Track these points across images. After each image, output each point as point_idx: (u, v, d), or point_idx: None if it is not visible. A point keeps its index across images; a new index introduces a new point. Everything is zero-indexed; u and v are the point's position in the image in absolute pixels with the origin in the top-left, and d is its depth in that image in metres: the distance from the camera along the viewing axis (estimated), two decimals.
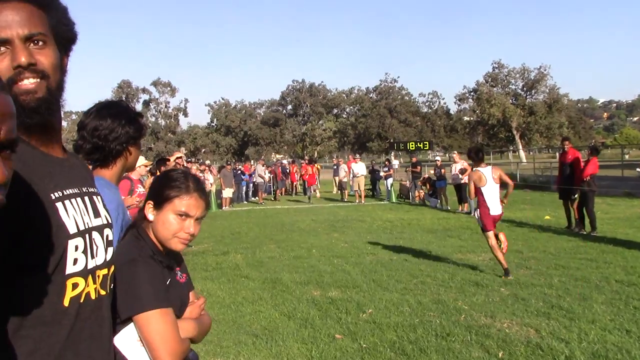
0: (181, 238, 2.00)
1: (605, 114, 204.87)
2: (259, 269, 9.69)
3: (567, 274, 8.41)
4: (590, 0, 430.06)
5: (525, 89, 73.90)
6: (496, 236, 8.68)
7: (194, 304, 2.11)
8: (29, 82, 1.27)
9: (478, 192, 8.87)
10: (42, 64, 1.30)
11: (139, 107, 79.59)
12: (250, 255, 11.10)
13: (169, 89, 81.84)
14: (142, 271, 1.87)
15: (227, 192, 23.66)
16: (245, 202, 26.87)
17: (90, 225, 1.41)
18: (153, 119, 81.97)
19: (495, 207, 8.81)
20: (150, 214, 2.02)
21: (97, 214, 1.47)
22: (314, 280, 8.55)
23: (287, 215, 19.45)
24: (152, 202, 2.02)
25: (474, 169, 9.21)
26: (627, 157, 40.52)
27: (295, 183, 31.63)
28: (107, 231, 1.50)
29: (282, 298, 7.52)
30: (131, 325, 1.85)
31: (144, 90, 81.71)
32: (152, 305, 1.84)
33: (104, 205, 1.56)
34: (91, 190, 1.51)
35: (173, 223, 1.99)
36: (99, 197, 1.53)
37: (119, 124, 2.29)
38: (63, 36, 1.39)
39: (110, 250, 1.51)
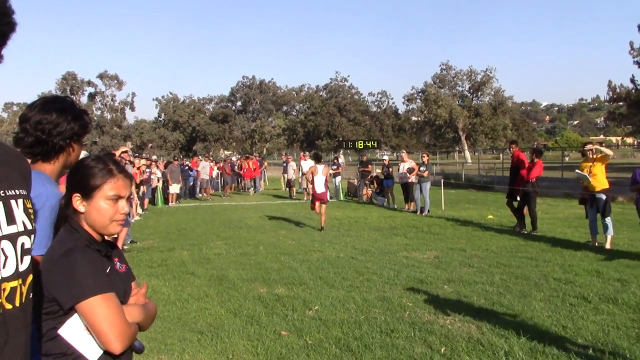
0: (118, 220, 2.03)
1: (548, 117, 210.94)
2: (205, 265, 9.62)
3: (508, 271, 8.64)
4: (535, 8, 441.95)
5: (471, 90, 75.55)
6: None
7: (138, 292, 2.10)
8: None
9: None
10: None
11: (84, 100, 77.74)
12: (196, 252, 10.99)
13: (115, 82, 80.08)
14: (79, 260, 1.86)
15: (174, 188, 23.34)
16: (192, 198, 26.57)
17: None
18: (99, 113, 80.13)
19: None
20: (80, 207, 2.00)
21: (11, 221, 1.35)
22: (261, 277, 8.53)
23: (235, 212, 19.33)
24: (79, 195, 2.00)
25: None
26: (567, 159, 41.82)
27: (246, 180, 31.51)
28: (22, 239, 1.38)
29: (229, 295, 7.49)
30: (76, 316, 1.83)
31: (90, 83, 79.74)
32: (94, 291, 1.83)
33: (27, 209, 1.43)
34: (10, 193, 1.38)
35: (107, 208, 2.00)
36: (19, 201, 1.40)
37: (64, 120, 2.26)
38: None
39: (27, 259, 1.39)
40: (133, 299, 2.06)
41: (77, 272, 1.84)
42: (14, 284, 1.34)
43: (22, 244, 1.38)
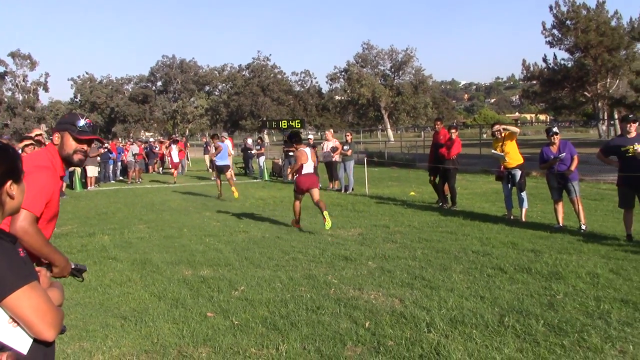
0: None
1: (466, 95, 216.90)
2: (128, 250, 9.40)
3: (430, 246, 8.89)
4: None
5: (393, 70, 76.65)
6: None
7: (40, 273, 2.02)
8: None
9: None
10: None
11: None
12: (118, 236, 10.72)
13: (28, 61, 76.40)
14: None
15: (92, 171, 22.59)
16: (112, 181, 25.85)
17: None
18: (9, 94, 76.35)
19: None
20: (14, 192, 1.93)
21: None
22: (185, 259, 8.43)
23: (158, 195, 18.96)
24: (11, 180, 1.92)
25: None
26: (484, 136, 43.23)
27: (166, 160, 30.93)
28: None
29: (152, 279, 7.36)
30: None
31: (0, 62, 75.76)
32: (17, 284, 1.76)
33: None
34: None
35: (24, 187, 2.00)
36: None
37: None
38: None
39: None
40: (42, 281, 2.00)
41: None
42: None
43: None
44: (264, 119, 60.65)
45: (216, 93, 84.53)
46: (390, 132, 70.24)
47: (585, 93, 52.78)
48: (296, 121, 26.52)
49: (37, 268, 1.96)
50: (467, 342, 4.75)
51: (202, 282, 7.08)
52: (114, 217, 13.66)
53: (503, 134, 11.66)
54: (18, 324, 1.78)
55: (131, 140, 38.14)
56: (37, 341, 1.82)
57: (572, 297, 5.95)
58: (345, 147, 18.36)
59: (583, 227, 9.91)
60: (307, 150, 11.17)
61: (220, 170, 17.45)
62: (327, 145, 19.39)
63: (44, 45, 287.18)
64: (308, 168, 11.02)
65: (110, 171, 26.15)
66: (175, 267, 7.95)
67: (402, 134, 60.70)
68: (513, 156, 11.43)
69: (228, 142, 25.16)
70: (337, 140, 19.95)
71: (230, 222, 12.17)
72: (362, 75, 72.89)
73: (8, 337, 1.78)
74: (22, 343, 1.80)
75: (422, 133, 53.94)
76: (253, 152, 27.07)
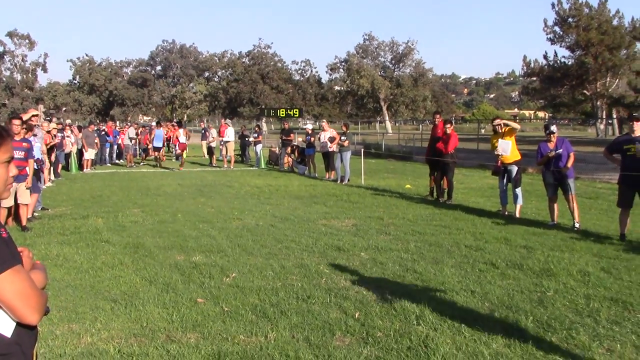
0: (9, 184, 1.97)
1: (466, 89, 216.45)
2: (121, 233, 9.39)
3: (423, 239, 8.89)
4: None
5: (393, 62, 76.41)
6: None
7: (23, 254, 1.99)
8: None
9: None
10: None
11: None
12: (111, 220, 10.70)
13: (27, 41, 75.82)
14: None
15: (89, 154, 22.55)
16: (108, 164, 25.80)
17: None
18: (7, 73, 75.87)
19: None
20: None
21: None
22: (178, 245, 8.42)
23: (153, 179, 18.93)
24: None
25: None
26: (483, 131, 43.19)
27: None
28: None
29: (144, 263, 7.35)
30: None
31: None
32: (0, 268, 1.73)
33: None
34: None
35: (3, 173, 1.93)
36: None
37: None
38: None
39: None
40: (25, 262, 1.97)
41: None
42: None
43: None
44: (263, 106, 60.59)
45: (215, 79, 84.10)
46: (388, 124, 70.16)
47: (585, 91, 52.74)
48: (294, 110, 26.46)
49: (20, 248, 1.93)
50: (456, 336, 4.76)
51: (194, 267, 7.08)
52: (108, 200, 13.63)
53: (503, 129, 11.63)
54: (0, 308, 1.77)
55: (128, 123, 38.02)
56: (21, 324, 1.81)
57: (562, 295, 5.97)
58: (342, 138, 18.33)
59: (577, 225, 9.92)
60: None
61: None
62: (325, 136, 19.36)
63: (43, 26, 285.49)
64: None
65: (107, 154, 26.09)
66: (167, 252, 7.95)
67: (401, 126, 60.66)
68: (511, 152, 11.43)
69: (231, 130, 25.22)
70: (334, 130, 19.93)
71: (225, 209, 12.16)
72: (362, 66, 72.62)
73: None
74: (5, 326, 1.78)
75: (420, 126, 53.88)
76: (250, 139, 27.01)
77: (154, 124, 33.50)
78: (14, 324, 1.79)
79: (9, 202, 9.28)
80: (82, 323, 5.10)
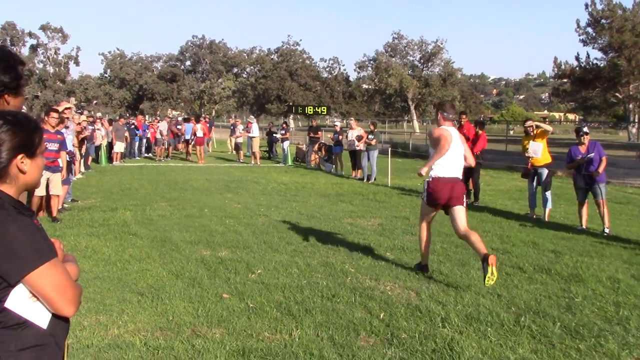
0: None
1: (495, 90, 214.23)
2: (149, 226, 9.49)
3: (449, 240, 8.81)
4: None
5: (422, 61, 75.85)
6: None
7: (55, 246, 1.99)
8: None
9: None
10: None
11: (25, 51, 74.55)
12: (139, 213, 10.82)
13: (60, 35, 77.05)
14: (14, 230, 1.76)
15: (119, 147, 22.83)
16: (137, 158, 26.09)
17: None
18: (40, 66, 77.17)
19: None
20: (25, 167, 1.89)
21: None
22: (205, 239, 8.48)
23: (181, 174, 19.10)
24: (24, 154, 1.88)
25: None
26: (511, 132, 42.69)
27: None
28: None
29: (171, 257, 7.42)
30: (19, 286, 1.77)
31: (31, 35, 76.49)
32: (38, 261, 1.76)
33: None
34: None
35: (41, 163, 1.97)
36: None
37: None
38: None
39: None
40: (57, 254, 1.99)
41: (16, 243, 1.75)
42: None
43: None
44: (290, 103, 60.63)
45: (244, 75, 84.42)
46: (416, 124, 69.74)
47: (617, 94, 51.79)
48: (322, 107, 26.44)
49: (52, 240, 1.94)
50: (482, 340, 4.72)
51: (220, 263, 7.12)
52: (137, 193, 13.79)
53: (535, 131, 11.45)
54: (38, 299, 1.80)
55: (158, 117, 38.33)
56: (55, 316, 1.84)
57: (591, 301, 5.88)
58: (369, 136, 18.28)
59: (606, 230, 9.76)
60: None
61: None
62: (352, 134, 19.32)
63: (76, 19, 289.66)
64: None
65: (136, 147, 26.38)
66: (194, 247, 8.01)
67: (428, 126, 60.27)
68: (542, 154, 11.26)
69: (255, 125, 25.28)
70: (362, 129, 19.88)
71: (251, 205, 12.21)
72: (391, 65, 72.24)
73: (29, 312, 1.80)
74: (42, 318, 1.82)
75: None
76: (277, 136, 27.08)
77: (180, 118, 33.82)
78: (50, 315, 1.83)
79: (40, 192, 9.42)
80: (109, 315, 5.16)
